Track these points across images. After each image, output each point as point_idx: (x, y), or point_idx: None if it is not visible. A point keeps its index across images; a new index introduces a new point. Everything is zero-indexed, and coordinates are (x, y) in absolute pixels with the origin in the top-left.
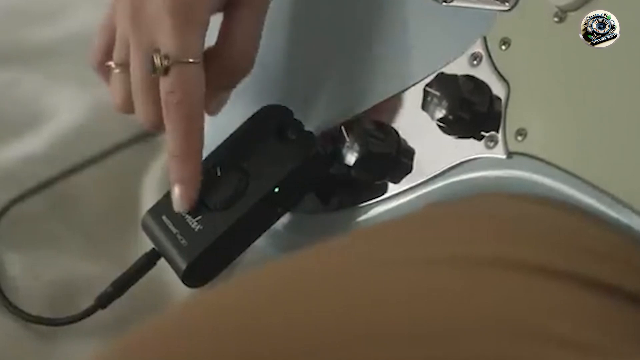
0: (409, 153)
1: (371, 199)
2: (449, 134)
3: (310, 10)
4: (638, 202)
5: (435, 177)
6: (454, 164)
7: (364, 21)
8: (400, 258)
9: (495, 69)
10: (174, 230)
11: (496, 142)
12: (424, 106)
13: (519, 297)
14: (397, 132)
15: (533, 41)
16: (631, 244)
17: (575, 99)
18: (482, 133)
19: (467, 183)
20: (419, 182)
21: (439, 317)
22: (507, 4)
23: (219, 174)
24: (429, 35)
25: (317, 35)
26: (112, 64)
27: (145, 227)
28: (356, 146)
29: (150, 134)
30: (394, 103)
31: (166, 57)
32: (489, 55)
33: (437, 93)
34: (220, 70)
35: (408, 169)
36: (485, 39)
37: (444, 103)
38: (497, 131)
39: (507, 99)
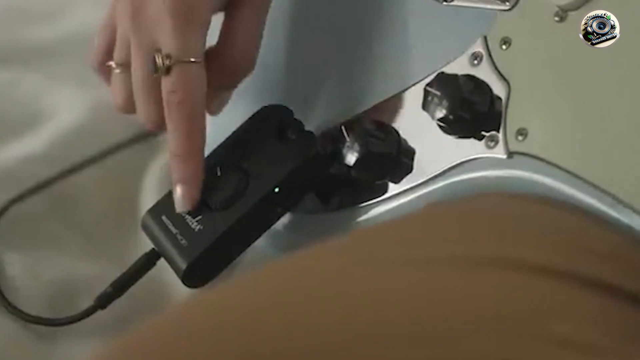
0: (410, 153)
1: (371, 199)
2: (450, 133)
3: (311, 10)
4: (639, 202)
5: (435, 177)
6: (454, 163)
7: (364, 21)
8: (400, 258)
9: (496, 68)
10: (174, 230)
11: (497, 142)
12: (425, 106)
13: (520, 297)
14: (397, 132)
15: (533, 41)
16: (632, 244)
17: (576, 98)
18: (483, 133)
19: (467, 183)
20: (419, 182)
21: (439, 317)
22: (507, 3)
23: (219, 173)
24: (430, 35)
25: (317, 35)
26: (112, 64)
27: (145, 227)
28: (356, 146)
29: (149, 134)
30: (394, 103)
31: (168, 56)
32: (490, 55)
33: (438, 93)
34: (221, 70)
35: (408, 169)
36: (485, 38)
37: (445, 103)
38: (498, 131)
39: (508, 98)
